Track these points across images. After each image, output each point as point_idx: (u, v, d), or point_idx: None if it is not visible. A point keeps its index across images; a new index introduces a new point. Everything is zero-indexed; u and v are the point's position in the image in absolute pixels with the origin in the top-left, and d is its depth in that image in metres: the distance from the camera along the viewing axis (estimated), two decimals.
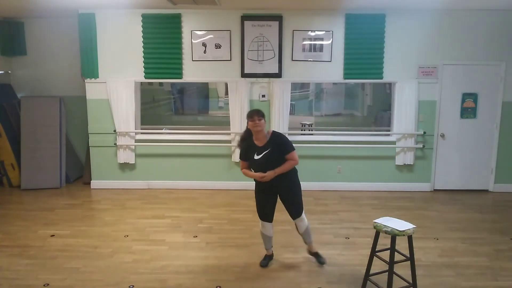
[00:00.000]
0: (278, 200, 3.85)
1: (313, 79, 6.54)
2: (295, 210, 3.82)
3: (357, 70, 6.11)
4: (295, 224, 3.90)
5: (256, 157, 3.66)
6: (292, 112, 7.69)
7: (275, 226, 4.73)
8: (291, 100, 6.38)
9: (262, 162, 3.64)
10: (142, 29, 6.08)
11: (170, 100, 9.31)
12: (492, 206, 5.83)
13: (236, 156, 6.28)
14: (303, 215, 3.86)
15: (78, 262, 4.04)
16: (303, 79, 6.62)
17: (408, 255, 3.35)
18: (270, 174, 3.60)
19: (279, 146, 3.65)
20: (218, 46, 6.11)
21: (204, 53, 6.13)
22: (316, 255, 4.06)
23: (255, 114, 3.62)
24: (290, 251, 4.29)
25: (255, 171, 3.70)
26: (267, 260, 4.04)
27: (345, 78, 6.17)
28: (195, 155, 6.42)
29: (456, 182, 6.40)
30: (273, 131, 3.76)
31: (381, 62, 6.09)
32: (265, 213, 3.85)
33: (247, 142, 3.75)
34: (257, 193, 3.86)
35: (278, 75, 6.12)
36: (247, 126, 3.73)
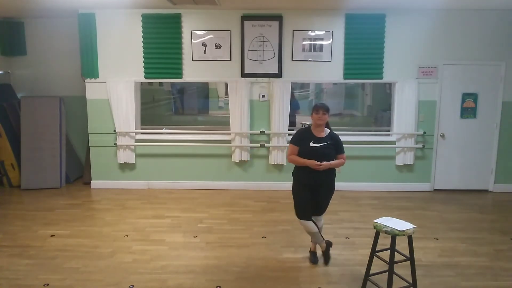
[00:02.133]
0: None
1: (313, 79, 6.54)
2: (324, 208, 3.97)
3: (357, 70, 6.11)
4: (317, 218, 3.98)
5: (312, 144, 3.76)
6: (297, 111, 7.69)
7: (275, 226, 4.74)
8: (290, 100, 6.38)
9: (317, 150, 3.74)
10: (142, 29, 6.08)
11: (170, 100, 9.30)
12: (492, 206, 5.83)
13: (236, 156, 6.29)
14: (321, 216, 4.02)
15: (78, 262, 4.04)
16: (303, 79, 6.62)
17: (408, 255, 3.35)
18: (326, 164, 3.68)
19: (336, 144, 3.85)
20: (218, 46, 6.11)
21: (204, 53, 6.13)
22: (325, 252, 4.06)
23: (320, 108, 3.78)
24: (290, 251, 4.28)
25: (309, 159, 3.73)
26: (315, 256, 4.06)
27: (345, 78, 6.17)
28: (195, 155, 6.42)
29: (456, 182, 6.40)
30: (331, 130, 3.91)
31: (381, 62, 6.09)
32: (306, 211, 3.85)
33: (305, 130, 3.89)
34: (298, 190, 3.86)
35: (278, 75, 6.12)
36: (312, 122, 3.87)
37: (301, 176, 3.84)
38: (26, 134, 6.41)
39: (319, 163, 3.68)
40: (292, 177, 3.94)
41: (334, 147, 3.82)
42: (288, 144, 4.22)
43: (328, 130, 3.88)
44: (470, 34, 6.03)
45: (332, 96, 9.62)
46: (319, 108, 3.77)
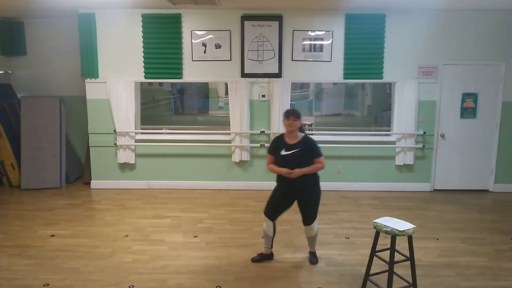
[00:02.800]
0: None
1: (313, 79, 6.54)
2: (308, 218, 3.89)
3: (357, 70, 6.11)
4: (304, 228, 3.96)
5: (283, 152, 3.76)
6: None
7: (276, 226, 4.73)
8: (291, 100, 6.38)
9: (288, 158, 3.73)
10: (142, 29, 6.08)
11: (170, 100, 9.30)
12: (492, 206, 5.83)
13: (236, 156, 6.29)
14: (314, 224, 3.91)
15: (78, 262, 4.04)
16: (303, 79, 6.62)
17: (408, 255, 3.35)
18: (297, 172, 3.68)
19: (310, 149, 3.78)
20: (218, 46, 6.11)
21: (204, 53, 6.13)
22: (311, 254, 4.10)
23: (291, 115, 3.76)
24: (290, 251, 4.29)
25: (281, 167, 3.75)
26: (260, 257, 4.07)
27: (345, 78, 6.17)
28: (195, 155, 6.42)
29: (456, 182, 6.40)
30: (306, 135, 3.89)
31: (381, 62, 6.09)
32: (273, 212, 3.91)
33: (278, 138, 3.90)
34: (275, 193, 3.92)
35: (278, 75, 6.12)
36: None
37: (279, 182, 3.89)
38: (26, 134, 6.41)
39: (290, 171, 3.67)
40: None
41: (307, 153, 3.75)
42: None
43: (302, 135, 3.85)
44: (470, 34, 6.03)
45: (332, 96, 9.62)
46: (290, 115, 3.75)
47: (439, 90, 6.17)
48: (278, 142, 3.86)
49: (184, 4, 5.60)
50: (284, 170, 3.70)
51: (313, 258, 4.05)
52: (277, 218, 3.96)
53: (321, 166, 3.80)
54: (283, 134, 3.89)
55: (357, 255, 4.20)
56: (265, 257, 4.08)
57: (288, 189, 3.82)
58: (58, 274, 3.82)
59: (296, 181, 3.73)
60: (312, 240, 4.02)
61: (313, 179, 3.84)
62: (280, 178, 3.86)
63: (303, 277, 3.79)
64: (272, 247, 4.08)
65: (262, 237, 4.14)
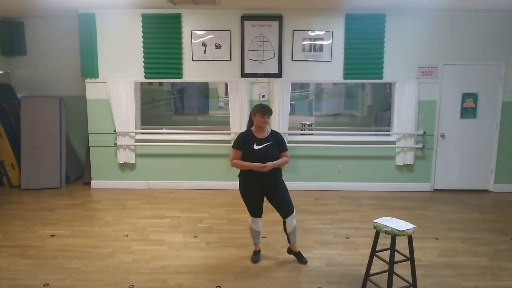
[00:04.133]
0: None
1: (313, 79, 6.54)
2: (287, 208, 3.88)
3: (357, 70, 6.11)
4: (285, 223, 3.94)
5: (256, 147, 3.76)
6: (292, 112, 7.68)
7: (275, 226, 4.74)
8: (291, 100, 6.38)
9: (262, 152, 3.74)
10: (142, 29, 6.08)
11: (170, 100, 9.31)
12: (492, 206, 5.83)
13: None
14: (294, 212, 3.93)
15: (78, 262, 4.04)
16: (303, 79, 6.62)
17: (408, 255, 3.35)
18: (270, 165, 3.69)
19: (279, 143, 3.85)
20: (218, 46, 6.11)
21: (204, 53, 6.13)
22: (298, 254, 4.08)
23: (268, 112, 3.77)
24: None
25: (252, 161, 3.74)
26: (257, 255, 4.10)
27: (345, 78, 6.17)
28: (195, 155, 6.42)
29: (456, 182, 6.40)
30: (272, 129, 3.94)
31: (381, 62, 6.09)
32: (257, 210, 3.94)
33: (246, 133, 3.88)
34: (245, 191, 3.91)
35: (278, 75, 6.12)
36: (250, 121, 3.88)
37: (248, 180, 3.84)
38: (26, 134, 6.41)
39: (263, 165, 3.68)
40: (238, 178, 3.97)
41: (277, 147, 3.81)
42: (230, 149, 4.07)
43: (270, 129, 3.90)
44: (470, 34, 6.03)
45: (332, 96, 9.63)
46: (267, 112, 3.75)
47: (439, 90, 6.17)
48: (247, 137, 3.82)
49: (184, 4, 5.60)
50: (256, 165, 3.69)
51: (302, 258, 4.04)
52: (261, 213, 3.97)
53: (288, 160, 3.88)
54: (250, 129, 3.87)
55: (357, 255, 4.20)
56: (259, 253, 4.14)
57: (261, 185, 3.80)
58: (58, 274, 3.82)
59: (269, 175, 3.74)
60: (293, 234, 3.97)
61: (279, 172, 3.90)
62: (248, 175, 3.81)
63: (303, 277, 3.79)
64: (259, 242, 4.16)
65: (256, 243, 4.14)
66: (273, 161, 3.73)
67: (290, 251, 4.12)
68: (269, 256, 4.17)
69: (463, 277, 3.80)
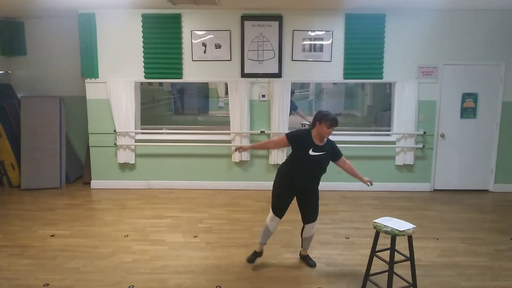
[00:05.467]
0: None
1: (313, 79, 6.54)
2: (312, 215, 3.83)
3: (357, 70, 6.11)
4: (304, 228, 3.90)
5: (312, 152, 3.66)
6: (292, 112, 7.68)
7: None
8: (291, 100, 6.38)
9: (315, 160, 3.67)
10: (142, 29, 6.08)
11: (170, 100, 9.30)
12: (492, 206, 5.83)
13: (236, 156, 6.28)
14: (316, 222, 3.89)
15: (78, 262, 4.04)
16: (303, 79, 6.62)
17: (408, 255, 3.35)
18: (245, 147, 4.01)
19: (333, 150, 3.79)
20: (218, 46, 6.11)
21: (204, 53, 6.13)
22: (306, 258, 4.07)
23: (334, 124, 3.62)
24: (290, 251, 4.29)
25: (303, 165, 3.69)
26: (255, 256, 3.99)
27: (345, 78, 6.17)
28: (195, 155, 6.42)
29: (456, 182, 6.40)
30: (328, 138, 3.79)
31: (381, 62, 6.09)
32: (281, 208, 3.81)
33: (307, 134, 3.73)
34: (279, 186, 3.81)
35: (278, 75, 6.12)
36: (313, 125, 3.70)
37: (282, 176, 3.80)
38: (26, 134, 6.41)
39: (240, 146, 3.98)
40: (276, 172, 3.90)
41: (330, 156, 3.76)
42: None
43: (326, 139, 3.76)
44: (470, 34, 6.03)
45: (332, 96, 9.63)
46: (333, 125, 3.60)
47: (439, 90, 6.17)
48: (307, 139, 3.69)
49: (184, 4, 5.60)
50: (239, 146, 4.01)
51: (311, 261, 4.02)
52: (283, 215, 3.88)
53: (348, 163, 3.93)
54: (310, 131, 3.72)
55: (357, 255, 4.21)
56: (258, 255, 4.01)
57: (292, 184, 3.74)
58: (58, 274, 3.82)
59: (308, 180, 3.72)
60: (308, 241, 3.97)
61: (318, 180, 3.83)
62: (288, 173, 3.75)
63: (303, 277, 3.79)
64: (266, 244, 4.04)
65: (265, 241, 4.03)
66: (321, 170, 3.73)
67: (300, 255, 4.12)
68: (269, 256, 4.16)
69: (463, 277, 3.80)
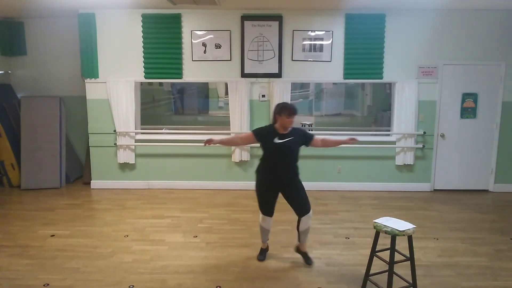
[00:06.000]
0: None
1: (313, 79, 6.54)
2: (304, 206, 3.85)
3: (357, 70, 6.11)
4: (299, 221, 3.91)
5: (277, 140, 3.74)
6: None
7: (276, 226, 4.75)
8: (291, 100, 6.38)
9: (282, 146, 3.73)
10: (142, 29, 6.08)
11: (170, 100, 9.30)
12: (492, 206, 5.83)
13: (236, 156, 6.29)
14: (311, 212, 3.90)
15: (78, 262, 4.04)
16: (303, 79, 6.62)
17: (408, 255, 3.35)
18: (215, 140, 3.86)
19: (303, 136, 3.87)
20: (218, 46, 6.11)
21: (204, 53, 6.13)
22: (305, 255, 4.07)
23: (294, 113, 3.73)
24: (290, 251, 4.28)
25: (272, 156, 3.80)
26: (264, 254, 4.12)
27: (345, 78, 6.17)
28: (195, 155, 6.42)
29: (456, 182, 6.40)
30: (293, 126, 3.87)
31: (381, 62, 6.09)
32: (268, 208, 3.91)
33: (269, 127, 3.87)
34: (260, 187, 3.90)
35: (278, 75, 6.12)
36: (274, 119, 3.81)
37: (262, 177, 3.87)
38: (26, 134, 6.41)
39: (211, 138, 3.85)
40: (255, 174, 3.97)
41: (300, 141, 3.82)
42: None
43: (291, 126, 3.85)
44: (470, 34, 6.03)
45: (332, 96, 9.62)
46: (293, 113, 3.71)
47: (439, 90, 6.17)
48: (270, 130, 3.81)
49: (184, 4, 5.60)
50: (209, 138, 3.86)
51: (308, 259, 4.03)
52: (273, 212, 3.95)
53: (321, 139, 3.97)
54: (272, 125, 3.84)
55: (357, 255, 4.20)
56: (265, 251, 4.15)
57: (271, 182, 3.82)
58: (58, 274, 3.82)
59: (283, 173, 3.77)
60: (305, 234, 3.96)
61: (295, 171, 3.88)
62: (263, 172, 3.86)
63: (303, 277, 3.79)
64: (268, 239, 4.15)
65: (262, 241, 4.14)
66: (292, 156, 3.77)
67: (298, 250, 4.12)
68: (269, 256, 4.16)
69: (463, 277, 3.80)
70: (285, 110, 3.71)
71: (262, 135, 3.85)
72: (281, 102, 3.93)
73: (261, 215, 3.97)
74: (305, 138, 3.88)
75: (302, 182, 3.92)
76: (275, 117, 3.80)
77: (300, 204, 3.85)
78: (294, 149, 3.80)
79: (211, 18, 6.03)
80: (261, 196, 3.91)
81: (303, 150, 6.18)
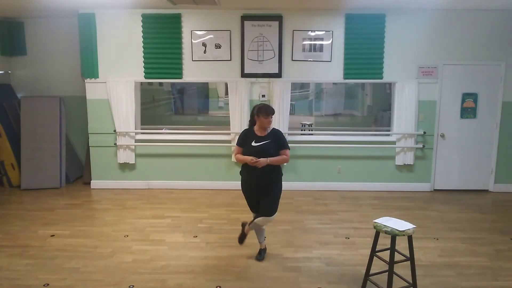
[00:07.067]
0: None
1: (313, 79, 6.54)
2: (268, 208, 3.84)
3: (357, 70, 6.11)
4: (255, 217, 3.94)
5: (254, 144, 3.81)
6: (292, 112, 7.68)
7: (276, 226, 4.75)
8: (291, 100, 6.38)
9: (258, 149, 3.78)
10: (142, 29, 6.08)
11: (170, 100, 9.31)
12: (492, 206, 5.83)
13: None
14: (272, 218, 3.88)
15: (78, 262, 4.04)
16: (303, 79, 6.62)
17: (408, 255, 3.35)
18: (263, 161, 3.70)
19: (278, 140, 3.85)
20: (218, 46, 6.11)
21: (204, 53, 6.13)
22: (262, 251, 4.13)
23: (270, 113, 3.79)
24: (290, 251, 4.29)
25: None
26: (262, 254, 4.12)
27: (345, 78, 6.17)
28: (195, 155, 6.42)
29: (456, 182, 6.40)
30: (273, 127, 3.94)
31: (381, 62, 6.09)
32: (254, 206, 3.97)
33: (248, 131, 3.93)
34: (242, 186, 3.98)
35: (278, 75, 6.12)
36: (252, 121, 3.90)
37: (244, 176, 3.92)
38: (26, 134, 6.41)
39: (255, 159, 3.69)
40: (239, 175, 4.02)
41: (275, 145, 3.81)
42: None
43: (271, 128, 3.89)
44: (470, 34, 6.03)
45: (332, 96, 9.63)
46: (270, 113, 3.77)
47: (439, 90, 6.17)
48: (248, 135, 3.88)
49: (184, 4, 5.60)
50: (249, 158, 3.72)
51: (259, 256, 4.09)
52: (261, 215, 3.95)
53: (286, 159, 3.84)
54: (252, 127, 3.91)
55: (357, 255, 4.20)
56: (264, 251, 4.16)
57: (255, 181, 3.83)
58: (58, 274, 3.82)
59: (263, 173, 3.75)
60: (260, 233, 4.05)
61: (278, 175, 3.88)
62: (245, 171, 3.89)
63: (303, 277, 3.79)
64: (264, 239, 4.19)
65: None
66: (267, 157, 3.76)
67: (244, 233, 4.08)
68: (269, 256, 4.16)
69: (463, 277, 3.80)
70: (262, 110, 3.77)
71: (243, 142, 3.90)
72: (256, 105, 3.93)
73: (252, 214, 4.03)
74: (278, 144, 3.84)
75: (288, 182, 3.96)
76: (253, 118, 3.87)
77: (266, 204, 3.84)
78: (270, 152, 3.79)
79: (211, 18, 6.03)
80: (247, 198, 4.00)
81: (303, 150, 6.24)
